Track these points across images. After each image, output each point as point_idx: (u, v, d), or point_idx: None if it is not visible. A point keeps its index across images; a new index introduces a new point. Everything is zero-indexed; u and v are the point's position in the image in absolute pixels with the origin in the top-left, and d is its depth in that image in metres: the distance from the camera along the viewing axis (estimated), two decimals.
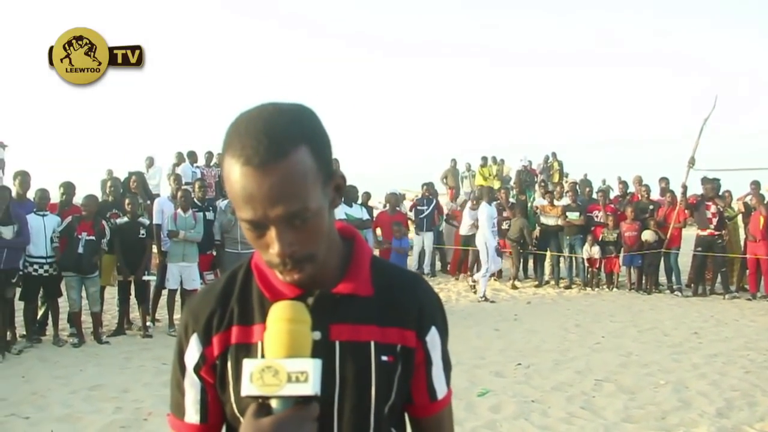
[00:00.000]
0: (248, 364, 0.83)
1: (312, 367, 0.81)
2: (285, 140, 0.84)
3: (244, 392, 0.82)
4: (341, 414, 0.97)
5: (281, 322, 0.85)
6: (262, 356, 0.95)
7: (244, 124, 0.86)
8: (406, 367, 1.01)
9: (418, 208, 11.64)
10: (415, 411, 1.08)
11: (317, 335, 0.94)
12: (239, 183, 0.84)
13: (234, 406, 0.98)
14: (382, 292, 1.02)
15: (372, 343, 0.98)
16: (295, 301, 0.89)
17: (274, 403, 0.82)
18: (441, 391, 1.08)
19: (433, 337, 1.05)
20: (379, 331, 0.99)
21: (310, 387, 0.80)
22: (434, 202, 11.94)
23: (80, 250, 6.59)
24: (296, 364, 0.81)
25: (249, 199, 0.84)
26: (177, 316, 7.51)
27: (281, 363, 0.81)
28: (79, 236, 6.57)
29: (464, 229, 10.97)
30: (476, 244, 9.78)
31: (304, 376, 0.80)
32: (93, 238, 6.67)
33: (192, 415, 1.03)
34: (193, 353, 1.01)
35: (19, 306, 6.71)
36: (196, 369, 1.01)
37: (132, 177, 8.82)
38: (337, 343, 0.97)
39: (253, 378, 0.81)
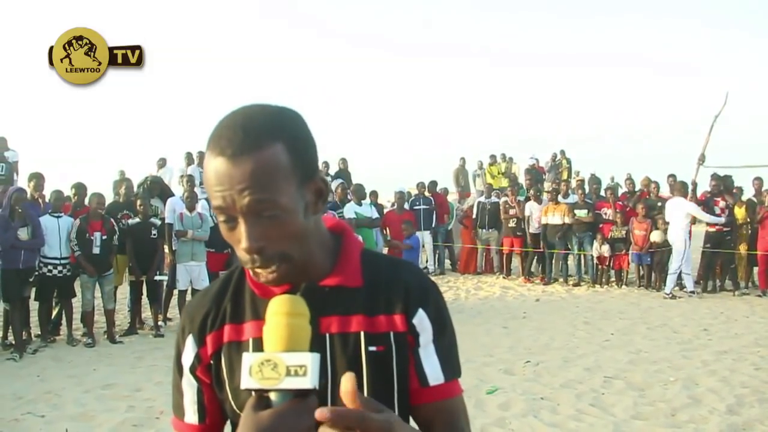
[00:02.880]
0: (248, 358, 0.83)
1: (311, 360, 0.81)
2: (259, 135, 0.87)
3: (243, 385, 0.82)
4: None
5: (280, 316, 0.85)
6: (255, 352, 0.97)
7: (225, 120, 0.90)
8: (401, 354, 0.99)
9: (415, 207, 11.65)
10: (411, 399, 1.02)
11: None
12: (212, 172, 0.87)
13: (233, 403, 0.99)
14: (370, 282, 1.01)
15: (361, 334, 0.98)
16: (294, 295, 0.89)
17: (273, 396, 0.82)
18: (434, 378, 1.02)
19: (421, 320, 1.01)
20: (368, 321, 0.99)
21: (309, 380, 0.80)
22: (431, 201, 11.94)
23: (96, 250, 6.70)
24: (295, 357, 0.81)
25: (220, 186, 0.86)
26: None
27: (280, 356, 0.82)
28: (92, 236, 6.66)
29: (534, 228, 11.03)
30: (672, 240, 9.59)
31: (303, 370, 0.81)
32: (106, 237, 6.77)
33: (191, 415, 1.04)
34: (189, 354, 1.03)
35: (33, 306, 6.81)
36: (192, 369, 1.03)
37: (122, 183, 8.68)
38: (327, 336, 0.97)
39: (252, 371, 0.81)
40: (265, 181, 0.86)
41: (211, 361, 1.01)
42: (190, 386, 1.04)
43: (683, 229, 9.47)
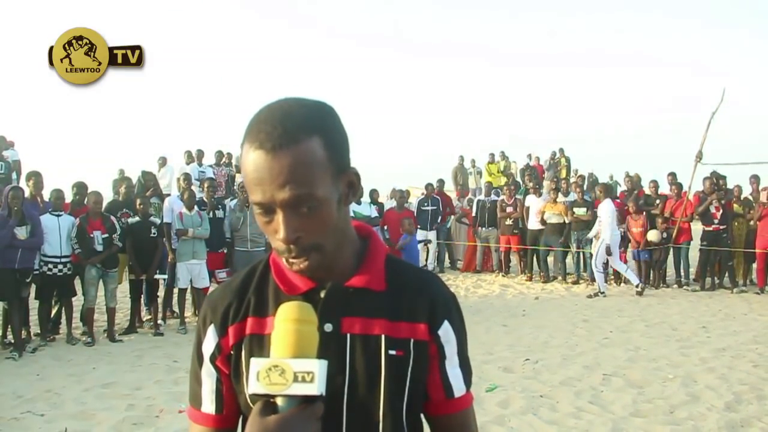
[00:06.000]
0: (255, 363, 0.84)
1: (318, 367, 0.82)
2: (298, 129, 0.89)
3: (250, 390, 0.84)
4: (350, 406, 0.97)
5: (288, 323, 0.86)
6: None
7: (264, 113, 0.92)
8: (419, 361, 1.01)
9: (423, 208, 11.68)
10: (432, 408, 1.06)
11: (329, 327, 0.98)
12: (252, 166, 0.89)
13: (248, 397, 0.98)
14: (394, 287, 1.04)
15: (382, 337, 0.99)
16: (303, 302, 0.90)
17: (279, 402, 0.84)
18: (458, 389, 1.06)
19: (446, 332, 1.04)
20: (390, 325, 1.00)
21: (316, 387, 0.82)
22: (439, 200, 11.98)
23: (99, 248, 6.71)
24: (303, 364, 0.83)
25: (259, 181, 0.88)
26: (188, 314, 7.59)
27: (288, 363, 0.83)
28: (91, 234, 6.67)
29: (532, 224, 11.00)
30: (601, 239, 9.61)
31: (310, 377, 0.82)
32: (107, 235, 6.78)
33: (208, 405, 1.05)
34: (210, 343, 1.04)
35: (33, 305, 6.81)
36: (212, 359, 1.04)
37: (122, 182, 8.63)
38: (348, 336, 0.99)
39: (260, 377, 0.82)
40: (304, 175, 0.88)
41: (232, 352, 1.02)
42: (209, 376, 1.04)
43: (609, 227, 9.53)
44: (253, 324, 1.02)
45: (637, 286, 9.61)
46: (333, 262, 0.99)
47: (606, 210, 9.52)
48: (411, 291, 1.04)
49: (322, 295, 0.99)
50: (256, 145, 0.88)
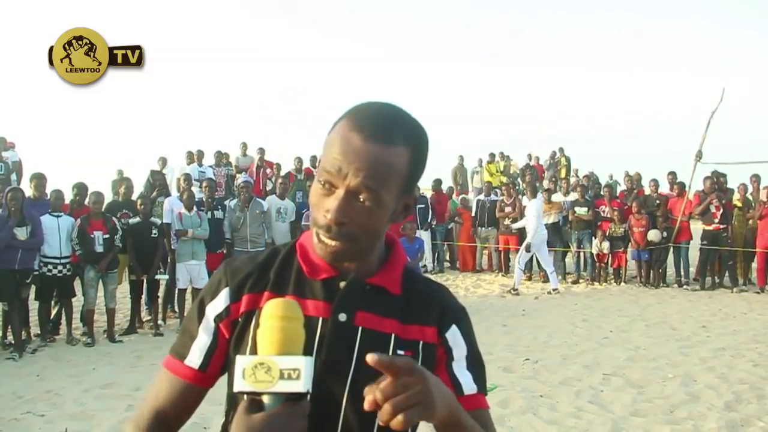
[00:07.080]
0: (241, 361, 0.83)
1: (304, 364, 0.82)
2: (399, 135, 0.94)
3: (236, 388, 0.83)
4: (352, 396, 0.99)
5: (274, 320, 0.85)
6: None
7: (373, 108, 0.96)
8: (426, 362, 1.03)
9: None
10: None
11: (343, 317, 1.01)
12: (341, 141, 0.93)
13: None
14: (408, 293, 1.08)
15: (392, 336, 1.03)
16: (289, 299, 0.91)
17: (265, 399, 0.83)
18: (467, 387, 1.07)
19: (454, 335, 1.08)
20: (401, 326, 1.04)
21: (302, 384, 0.81)
22: (426, 199, 11.98)
23: (100, 249, 6.71)
24: (289, 361, 0.82)
25: (343, 158, 0.91)
26: None
27: (274, 360, 0.82)
28: (92, 235, 6.67)
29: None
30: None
31: (296, 374, 0.81)
32: (108, 236, 6.78)
33: (194, 358, 1.05)
34: (218, 304, 1.05)
35: (32, 306, 6.81)
36: (217, 319, 1.05)
37: (121, 182, 8.63)
38: (360, 329, 1.02)
39: (246, 374, 0.82)
40: (382, 174, 0.92)
41: (240, 319, 1.03)
42: (206, 332, 1.05)
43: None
44: (269, 298, 1.02)
45: (554, 290, 9.89)
46: (359, 258, 1.02)
47: (532, 209, 9.74)
48: (423, 298, 1.09)
49: (341, 285, 1.03)
50: (353, 126, 0.92)
